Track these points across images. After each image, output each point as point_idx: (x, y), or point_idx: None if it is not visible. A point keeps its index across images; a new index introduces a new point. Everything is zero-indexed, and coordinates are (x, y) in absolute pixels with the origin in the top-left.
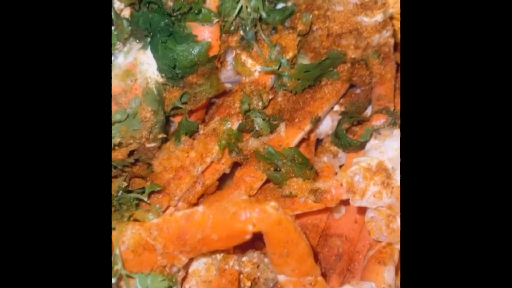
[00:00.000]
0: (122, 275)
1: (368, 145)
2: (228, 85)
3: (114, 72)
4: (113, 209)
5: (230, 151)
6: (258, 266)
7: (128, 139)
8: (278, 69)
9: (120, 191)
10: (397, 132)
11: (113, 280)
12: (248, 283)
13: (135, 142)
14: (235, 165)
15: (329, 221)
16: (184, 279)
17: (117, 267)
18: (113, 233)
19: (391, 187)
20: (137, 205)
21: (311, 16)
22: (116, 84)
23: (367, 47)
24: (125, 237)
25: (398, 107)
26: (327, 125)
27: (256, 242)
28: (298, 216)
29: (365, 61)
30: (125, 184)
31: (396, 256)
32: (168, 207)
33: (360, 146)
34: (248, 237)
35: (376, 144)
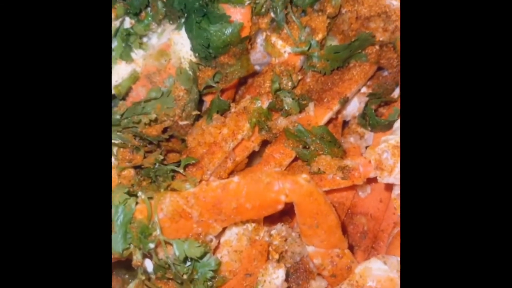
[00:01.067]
0: (160, 240)
1: (396, 124)
2: (256, 67)
3: (148, 52)
4: (149, 181)
5: (260, 129)
6: (286, 240)
7: (162, 116)
8: (308, 50)
9: (157, 164)
10: None
11: (152, 246)
12: (276, 256)
13: (168, 119)
14: (264, 144)
15: (354, 200)
16: (216, 248)
17: (155, 233)
18: (151, 202)
19: None
20: (173, 177)
21: None
22: (150, 64)
23: (395, 30)
24: (163, 205)
25: None
26: (354, 107)
27: (284, 217)
28: (325, 194)
29: (393, 44)
30: (161, 157)
31: None
32: (200, 181)
33: (387, 126)
34: (280, 206)
35: None
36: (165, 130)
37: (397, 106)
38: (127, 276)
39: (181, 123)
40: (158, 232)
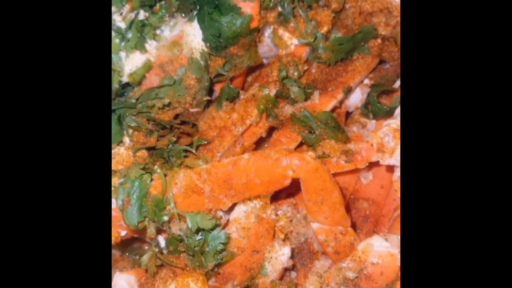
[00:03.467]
0: (174, 213)
1: (397, 111)
2: (264, 61)
3: (161, 43)
4: (162, 161)
5: (267, 116)
6: (291, 221)
7: (174, 103)
8: (314, 41)
9: (170, 144)
10: None
11: (165, 218)
12: (282, 236)
13: (180, 106)
14: (270, 132)
15: (357, 186)
16: (225, 226)
17: (169, 207)
18: (166, 178)
19: None
20: (185, 157)
21: None
22: (163, 54)
23: (397, 25)
24: (177, 180)
25: None
26: (356, 98)
27: (290, 198)
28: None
29: (395, 39)
30: (174, 139)
31: None
32: None
33: (389, 112)
34: (287, 182)
35: None
36: (176, 117)
37: (398, 95)
38: (137, 257)
39: (191, 110)
40: (172, 205)
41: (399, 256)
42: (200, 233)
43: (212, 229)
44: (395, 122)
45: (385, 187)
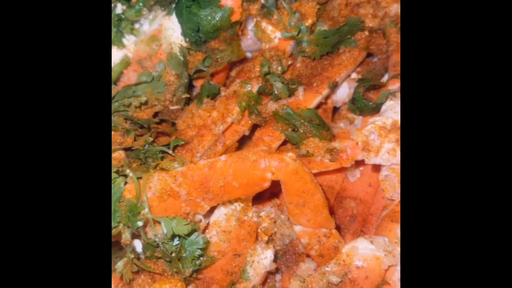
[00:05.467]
0: (149, 218)
1: (383, 107)
2: (248, 54)
3: (140, 38)
4: (139, 162)
5: (250, 113)
6: (275, 222)
7: (153, 100)
8: (297, 35)
9: (147, 145)
10: None
11: (140, 224)
12: (266, 238)
13: (159, 104)
14: (254, 130)
15: (344, 184)
16: (205, 229)
17: (143, 211)
18: (140, 182)
19: None
20: (162, 158)
21: None
22: (142, 49)
23: (385, 17)
24: (151, 183)
25: None
26: (344, 93)
27: (273, 199)
28: (314, 176)
29: (383, 30)
30: (151, 139)
31: None
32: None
33: (375, 109)
34: (266, 184)
35: (391, 104)
36: (155, 115)
37: (385, 89)
38: (118, 259)
39: (171, 107)
40: (146, 210)
41: (384, 260)
42: (176, 239)
43: (189, 234)
44: (381, 119)
45: (373, 185)
